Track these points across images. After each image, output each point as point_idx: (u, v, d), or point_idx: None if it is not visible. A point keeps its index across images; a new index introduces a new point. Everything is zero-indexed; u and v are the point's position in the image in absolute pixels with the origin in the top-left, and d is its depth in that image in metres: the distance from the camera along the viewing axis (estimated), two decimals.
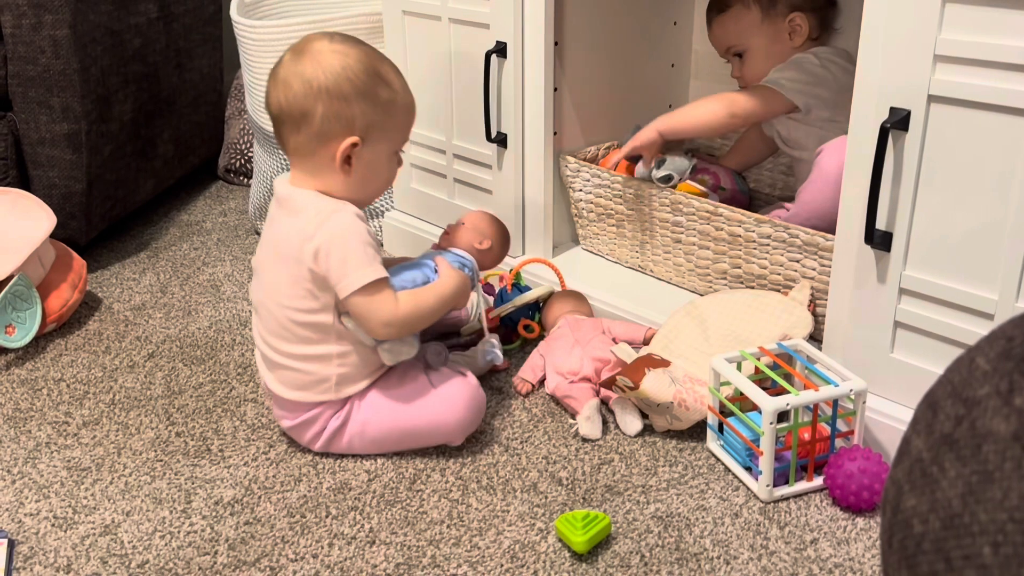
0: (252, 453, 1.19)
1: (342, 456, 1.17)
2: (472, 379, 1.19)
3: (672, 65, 1.74)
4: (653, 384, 1.16)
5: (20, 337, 1.39)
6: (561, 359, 1.28)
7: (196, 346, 1.45)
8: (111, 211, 1.76)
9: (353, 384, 1.14)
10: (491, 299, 1.46)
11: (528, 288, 1.45)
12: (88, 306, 1.57)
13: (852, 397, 1.09)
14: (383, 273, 1.09)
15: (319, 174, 1.11)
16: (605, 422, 1.23)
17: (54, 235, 1.60)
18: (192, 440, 1.21)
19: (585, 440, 1.20)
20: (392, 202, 1.80)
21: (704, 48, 1.74)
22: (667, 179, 1.40)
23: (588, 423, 1.20)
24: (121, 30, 1.72)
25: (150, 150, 1.86)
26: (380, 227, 1.81)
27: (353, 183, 1.12)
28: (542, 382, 1.31)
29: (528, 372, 1.32)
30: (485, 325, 1.30)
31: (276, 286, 1.12)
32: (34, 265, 1.44)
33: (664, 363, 1.22)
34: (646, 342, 1.33)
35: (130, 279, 1.68)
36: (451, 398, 1.15)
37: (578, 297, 1.41)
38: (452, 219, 1.67)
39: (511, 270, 1.48)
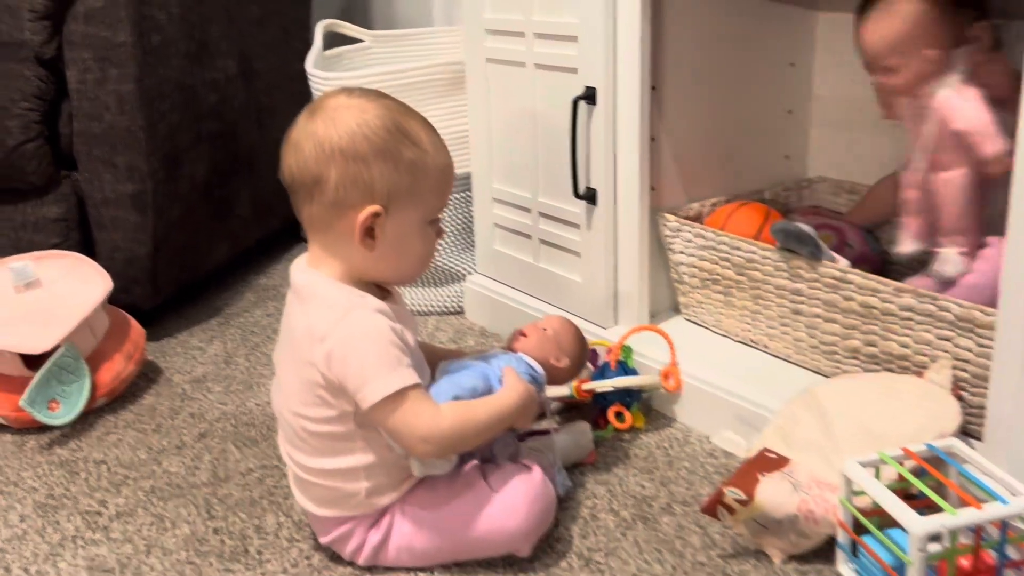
0: (293, 557, 1.03)
1: (392, 568, 1.00)
2: (538, 474, 1.00)
3: (789, 112, 1.54)
4: (772, 493, 0.95)
5: (64, 413, 1.28)
6: None
7: (252, 424, 1.31)
8: (180, 275, 1.66)
9: (387, 494, 0.97)
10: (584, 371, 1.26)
11: (635, 371, 1.26)
12: (146, 378, 1.46)
13: None
14: (413, 379, 0.91)
15: (339, 251, 0.95)
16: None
17: (116, 301, 1.51)
18: (230, 539, 1.06)
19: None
20: (474, 264, 1.65)
21: (828, 93, 1.54)
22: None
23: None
24: (195, 85, 1.64)
25: (225, 211, 1.77)
26: (461, 291, 1.66)
27: (379, 260, 0.95)
28: None
29: None
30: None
31: (289, 390, 0.97)
32: (84, 334, 1.34)
33: (782, 462, 1.01)
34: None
35: (196, 348, 1.57)
36: (511, 501, 0.97)
37: None
38: (539, 286, 1.51)
39: (619, 340, 1.29)
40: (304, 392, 0.94)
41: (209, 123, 1.69)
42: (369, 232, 0.94)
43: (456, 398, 0.96)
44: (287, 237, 2.06)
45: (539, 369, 1.07)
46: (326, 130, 0.92)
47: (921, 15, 1.17)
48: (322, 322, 0.92)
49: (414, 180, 0.94)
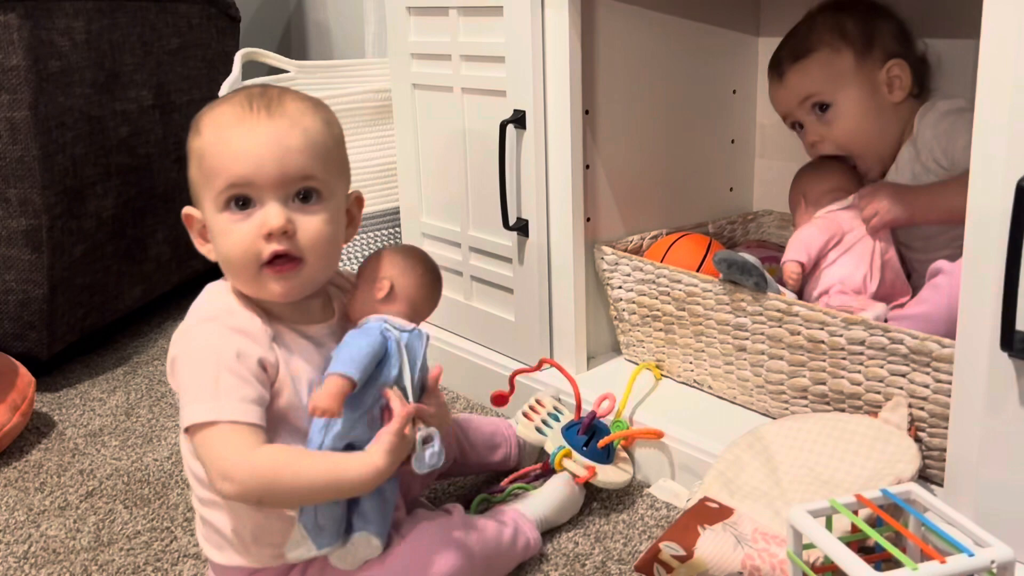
0: None
1: None
2: (458, 516, 0.89)
3: (732, 141, 1.47)
4: (713, 548, 0.85)
5: None
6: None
7: (146, 482, 1.18)
8: (84, 320, 1.54)
9: (271, 548, 0.85)
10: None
11: (607, 429, 1.12)
12: (36, 431, 1.33)
13: (995, 571, 0.76)
14: (233, 414, 0.77)
15: None
16: None
17: (9, 348, 1.38)
18: None
19: None
20: None
21: (771, 120, 1.47)
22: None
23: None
24: (103, 116, 1.53)
25: (139, 252, 1.65)
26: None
27: (222, 267, 0.85)
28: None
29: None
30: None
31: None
32: None
33: (724, 512, 0.91)
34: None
35: (96, 399, 1.44)
36: (420, 548, 0.85)
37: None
38: (470, 326, 1.41)
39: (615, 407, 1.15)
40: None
41: (120, 156, 1.58)
42: (203, 236, 0.86)
43: (344, 374, 0.80)
44: (210, 280, 1.94)
45: (406, 325, 0.89)
46: None
47: (835, 56, 1.14)
48: (178, 329, 0.84)
49: (199, 169, 0.83)
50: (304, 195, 0.83)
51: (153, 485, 1.17)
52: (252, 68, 1.71)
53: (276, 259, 0.81)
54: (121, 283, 1.61)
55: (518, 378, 1.22)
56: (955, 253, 0.91)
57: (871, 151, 1.18)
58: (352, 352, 0.81)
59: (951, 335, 0.88)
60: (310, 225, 0.82)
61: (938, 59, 1.19)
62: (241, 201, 0.81)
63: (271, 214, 0.80)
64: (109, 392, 1.46)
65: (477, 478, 1.15)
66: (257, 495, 0.78)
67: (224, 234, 0.81)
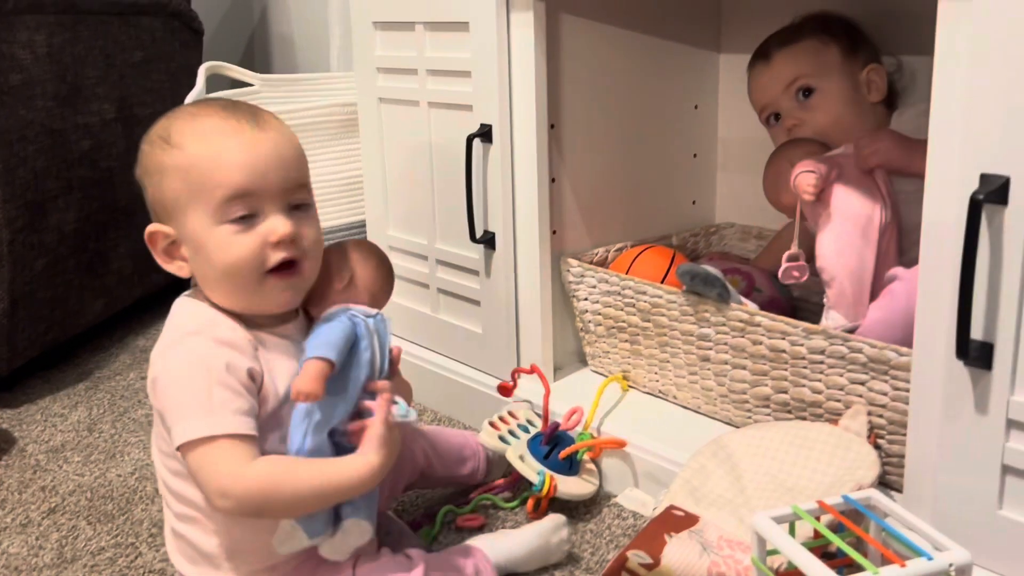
0: None
1: None
2: (419, 564, 0.87)
3: (695, 155, 1.49)
4: (679, 555, 0.86)
5: None
6: None
7: (110, 498, 1.17)
8: (46, 335, 1.52)
9: (256, 561, 0.85)
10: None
11: (571, 439, 1.13)
12: None
13: (952, 574, 0.78)
14: (228, 428, 0.77)
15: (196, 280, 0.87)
16: None
17: None
18: None
19: None
20: None
21: (733, 135, 1.49)
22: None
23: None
24: (65, 129, 1.52)
25: (100, 266, 1.63)
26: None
27: (206, 286, 0.84)
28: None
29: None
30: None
31: (160, 437, 0.86)
32: None
33: (690, 520, 0.92)
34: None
35: (57, 415, 1.42)
36: None
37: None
38: (438, 339, 1.41)
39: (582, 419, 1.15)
40: (157, 428, 0.85)
41: (82, 170, 1.57)
42: (170, 254, 0.85)
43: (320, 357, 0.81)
44: (172, 295, 1.93)
45: (370, 311, 0.90)
46: None
47: (824, 47, 1.17)
48: (161, 344, 0.82)
49: (184, 183, 0.81)
50: (299, 203, 0.85)
51: (117, 501, 1.16)
52: (216, 81, 1.71)
53: (282, 266, 0.83)
54: (83, 297, 1.60)
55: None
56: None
57: (847, 142, 1.19)
58: (326, 337, 0.82)
59: (908, 341, 0.90)
60: (308, 231, 0.85)
61: (912, 76, 1.22)
62: (243, 211, 0.81)
63: (278, 223, 0.82)
64: (71, 407, 1.44)
65: (445, 491, 1.15)
66: (256, 508, 0.78)
67: (224, 247, 0.81)
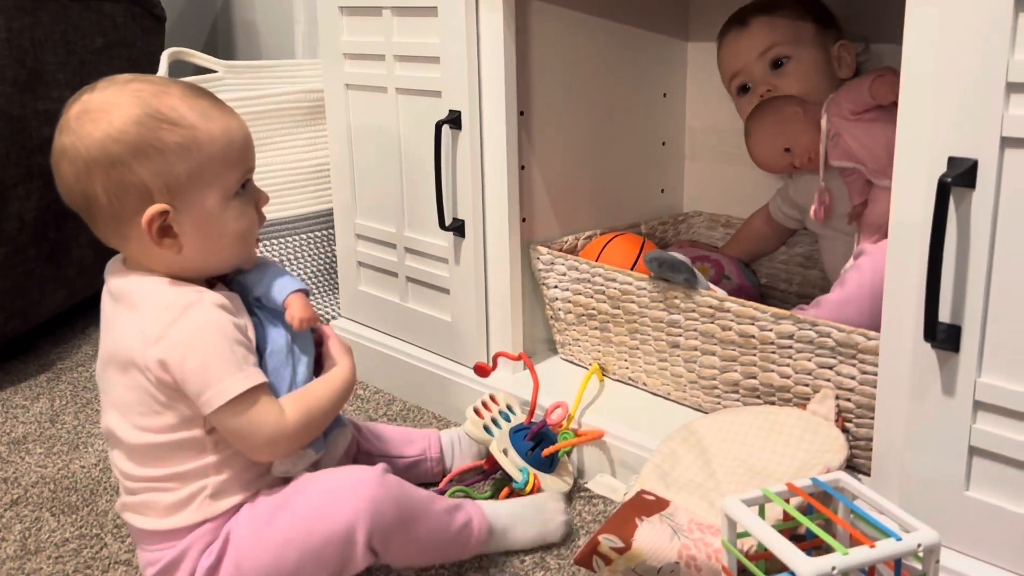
0: None
1: None
2: (377, 468, 0.90)
3: (663, 143, 1.49)
4: (650, 539, 0.86)
5: None
6: None
7: (73, 489, 1.15)
8: (6, 325, 1.49)
9: (233, 495, 0.87)
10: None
11: (554, 438, 1.12)
12: None
13: (921, 555, 0.78)
14: (259, 378, 0.84)
15: (151, 258, 0.87)
16: None
17: None
18: None
19: None
20: (338, 308, 1.53)
21: (701, 124, 1.50)
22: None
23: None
24: (24, 116, 1.49)
25: (61, 256, 1.60)
26: None
27: (192, 255, 0.87)
28: None
29: None
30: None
31: (126, 404, 0.85)
32: None
33: (661, 504, 0.92)
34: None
35: (19, 406, 1.39)
36: (338, 485, 0.87)
37: None
38: (407, 328, 1.40)
39: (563, 416, 1.14)
40: (142, 403, 0.84)
41: (42, 158, 1.53)
42: (165, 232, 0.85)
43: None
44: None
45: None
46: (74, 143, 0.83)
47: (800, 19, 1.17)
48: (156, 323, 0.82)
49: (191, 162, 0.84)
50: None
51: (81, 492, 1.14)
52: (178, 68, 1.68)
53: None
54: (44, 287, 1.57)
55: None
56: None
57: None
58: (286, 277, 0.92)
59: (876, 316, 0.91)
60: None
61: (880, 59, 1.23)
62: (244, 184, 0.89)
63: (259, 192, 0.92)
64: (32, 399, 1.42)
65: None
66: (298, 443, 0.87)
67: (237, 217, 0.88)
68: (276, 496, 0.88)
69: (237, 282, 0.93)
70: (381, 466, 0.90)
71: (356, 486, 0.87)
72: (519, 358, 1.20)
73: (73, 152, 0.83)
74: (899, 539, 0.78)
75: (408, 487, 0.91)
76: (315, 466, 0.92)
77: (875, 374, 0.92)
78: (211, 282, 0.91)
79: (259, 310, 0.91)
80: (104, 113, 0.82)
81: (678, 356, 1.14)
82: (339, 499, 0.86)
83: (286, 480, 0.90)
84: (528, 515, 1.00)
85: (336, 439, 0.95)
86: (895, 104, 0.84)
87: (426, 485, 1.11)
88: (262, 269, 0.93)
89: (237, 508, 0.88)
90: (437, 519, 0.92)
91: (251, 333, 0.87)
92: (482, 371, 1.20)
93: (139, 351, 0.82)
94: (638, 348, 1.19)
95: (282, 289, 0.90)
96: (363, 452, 1.09)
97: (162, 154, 0.83)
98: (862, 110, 1.09)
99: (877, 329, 0.90)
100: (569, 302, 1.25)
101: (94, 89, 0.85)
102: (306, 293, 0.91)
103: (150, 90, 0.85)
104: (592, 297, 1.22)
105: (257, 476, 0.89)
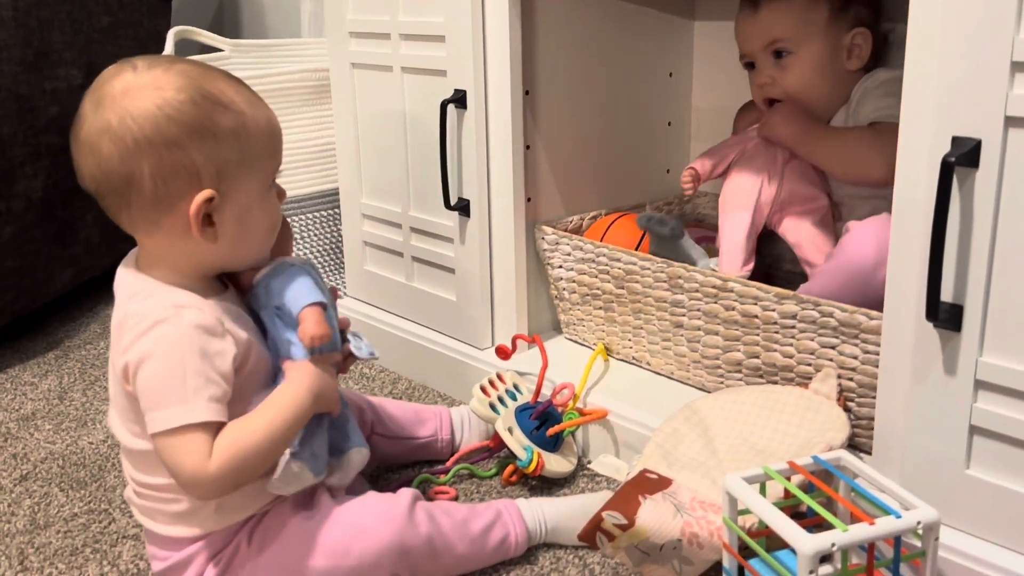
0: None
1: None
2: (405, 497, 0.89)
3: (669, 123, 1.49)
4: (653, 516, 0.87)
5: None
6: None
7: (82, 465, 1.16)
8: (14, 304, 1.50)
9: (239, 511, 0.86)
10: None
11: (559, 417, 1.12)
12: None
13: (920, 532, 0.79)
14: (200, 416, 0.77)
15: (176, 249, 0.83)
16: None
17: None
18: None
19: None
20: (344, 288, 1.54)
21: (706, 104, 1.50)
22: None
23: None
24: (32, 95, 1.49)
25: (69, 235, 1.61)
26: None
27: (225, 247, 0.83)
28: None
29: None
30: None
31: (121, 407, 0.85)
32: None
33: (663, 483, 0.93)
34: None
35: (28, 383, 1.41)
36: (358, 519, 0.86)
37: None
38: (413, 307, 1.41)
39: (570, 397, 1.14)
40: (131, 409, 0.83)
41: (49, 136, 1.54)
42: (207, 220, 0.81)
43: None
44: None
45: (297, 258, 0.91)
46: (122, 120, 0.77)
47: (813, 5, 1.15)
48: (129, 332, 0.79)
49: (241, 149, 0.81)
50: None
51: (89, 468, 1.16)
52: (184, 47, 1.68)
53: None
54: (51, 266, 1.58)
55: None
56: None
57: (813, 108, 1.19)
58: (303, 286, 0.86)
59: (861, 292, 0.91)
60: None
61: (902, 41, 1.21)
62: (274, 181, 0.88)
63: (280, 186, 0.89)
64: (41, 376, 1.43)
65: (418, 469, 1.13)
66: (233, 485, 0.80)
67: (270, 209, 0.87)
68: (298, 521, 0.86)
69: (262, 286, 0.87)
70: (410, 497, 0.88)
71: (382, 523, 0.86)
72: (534, 340, 1.21)
73: (121, 129, 0.77)
74: (899, 516, 0.78)
75: (440, 516, 0.89)
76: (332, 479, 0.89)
77: (877, 353, 0.93)
78: (223, 283, 0.89)
79: (280, 319, 0.87)
80: (158, 91, 0.78)
81: (682, 336, 1.14)
82: (367, 536, 0.85)
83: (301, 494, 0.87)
84: (575, 515, 0.97)
85: (351, 459, 0.89)
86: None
87: (434, 463, 1.13)
88: (290, 275, 0.87)
89: (247, 520, 0.87)
90: (471, 543, 0.91)
91: (244, 351, 0.83)
92: (503, 353, 1.21)
93: (114, 358, 0.81)
94: (642, 328, 1.20)
95: (296, 301, 0.85)
96: (376, 434, 1.09)
97: (216, 137, 0.80)
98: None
99: (861, 304, 0.91)
100: (574, 282, 1.26)
101: (135, 68, 0.80)
102: (323, 306, 0.85)
103: (199, 72, 0.82)
104: (596, 277, 1.22)
105: (264, 491, 0.85)
